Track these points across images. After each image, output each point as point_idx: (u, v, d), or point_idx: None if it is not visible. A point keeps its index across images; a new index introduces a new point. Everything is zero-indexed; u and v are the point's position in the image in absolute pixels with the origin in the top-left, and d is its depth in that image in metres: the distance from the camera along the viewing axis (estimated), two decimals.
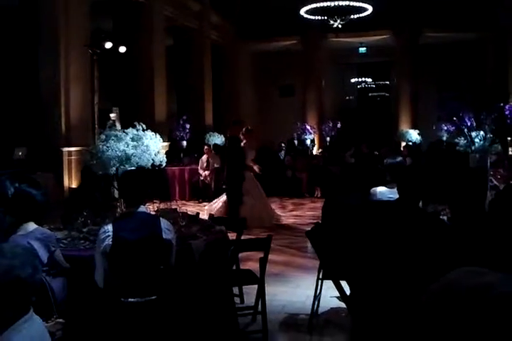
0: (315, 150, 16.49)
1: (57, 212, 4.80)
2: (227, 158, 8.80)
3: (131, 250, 3.19)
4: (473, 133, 6.03)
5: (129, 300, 3.17)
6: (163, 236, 3.29)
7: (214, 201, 9.35)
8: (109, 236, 3.18)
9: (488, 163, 5.92)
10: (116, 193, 4.46)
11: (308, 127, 16.80)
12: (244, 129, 8.88)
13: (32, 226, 3.42)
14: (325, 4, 14.18)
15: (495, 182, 6.16)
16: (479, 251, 3.13)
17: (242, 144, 8.73)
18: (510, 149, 11.36)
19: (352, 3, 13.97)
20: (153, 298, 3.21)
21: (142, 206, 3.38)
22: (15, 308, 1.78)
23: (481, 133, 6.03)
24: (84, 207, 4.37)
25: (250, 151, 8.86)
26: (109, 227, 3.23)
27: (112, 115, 11.62)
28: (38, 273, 1.87)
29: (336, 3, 13.91)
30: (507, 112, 6.35)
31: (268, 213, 9.05)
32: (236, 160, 8.55)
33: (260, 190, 8.97)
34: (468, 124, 6.12)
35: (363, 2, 14.03)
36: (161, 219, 3.41)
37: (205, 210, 9.01)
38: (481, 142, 5.96)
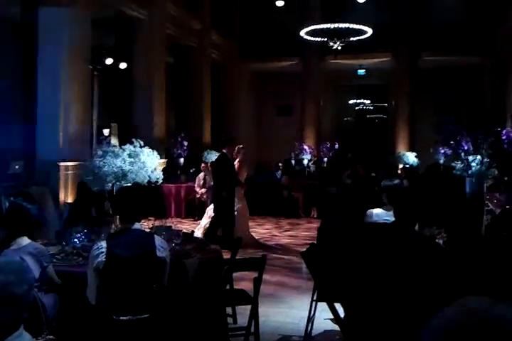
0: (312, 169, 16.48)
1: (52, 226, 4.77)
2: (217, 175, 8.73)
3: (125, 267, 3.15)
4: (470, 157, 6.05)
5: (121, 318, 3.13)
6: (157, 254, 3.26)
7: (202, 218, 9.26)
8: (102, 252, 3.15)
9: (485, 188, 5.94)
10: (111, 209, 4.45)
11: (306, 147, 16.85)
12: (237, 148, 8.87)
13: (25, 240, 3.39)
14: (325, 26, 14.37)
15: (491, 206, 6.17)
16: (475, 275, 3.11)
17: (235, 162, 8.70)
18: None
19: (352, 26, 14.16)
20: (146, 316, 3.17)
21: (137, 223, 3.36)
22: (6, 325, 1.75)
23: (478, 157, 6.06)
24: (78, 223, 4.35)
25: (243, 169, 8.84)
26: (103, 244, 3.20)
27: (105, 131, 11.64)
28: (33, 290, 1.85)
29: (336, 25, 14.09)
30: (504, 137, 6.40)
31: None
32: (226, 178, 8.49)
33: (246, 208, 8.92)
34: (466, 148, 6.15)
35: (362, 25, 14.22)
36: (155, 236, 3.38)
37: (199, 230, 8.94)
38: (478, 166, 5.98)
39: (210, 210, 8.86)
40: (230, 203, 8.37)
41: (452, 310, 1.19)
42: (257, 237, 9.24)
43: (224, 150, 8.67)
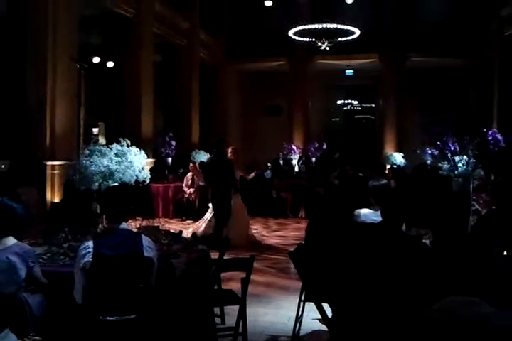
0: (297, 168, 16.51)
1: (39, 226, 4.73)
2: (216, 174, 8.64)
3: (111, 267, 3.14)
4: (457, 158, 6.09)
5: (108, 318, 3.11)
6: (145, 254, 3.24)
7: (199, 221, 9.25)
8: (89, 252, 3.13)
9: (471, 188, 5.97)
10: (98, 209, 4.42)
11: (294, 147, 16.87)
12: (232, 148, 8.90)
13: (11, 240, 3.36)
14: (313, 26, 14.41)
15: (477, 206, 6.21)
16: (461, 274, 3.14)
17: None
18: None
19: (340, 26, 14.21)
20: (133, 316, 3.15)
21: (124, 223, 3.34)
22: None
23: (464, 157, 6.09)
24: (65, 222, 4.32)
25: (237, 170, 8.88)
26: (90, 243, 3.18)
27: (94, 130, 11.57)
28: (20, 291, 1.83)
29: (324, 25, 14.14)
30: (490, 138, 6.44)
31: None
32: (226, 177, 8.48)
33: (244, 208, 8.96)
34: (452, 149, 6.18)
35: (350, 25, 14.27)
36: (142, 236, 3.36)
37: (191, 229, 8.92)
38: (464, 167, 6.02)
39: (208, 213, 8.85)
40: (228, 202, 8.39)
41: (436, 309, 1.20)
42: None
43: (216, 151, 8.65)
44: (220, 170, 8.47)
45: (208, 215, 8.83)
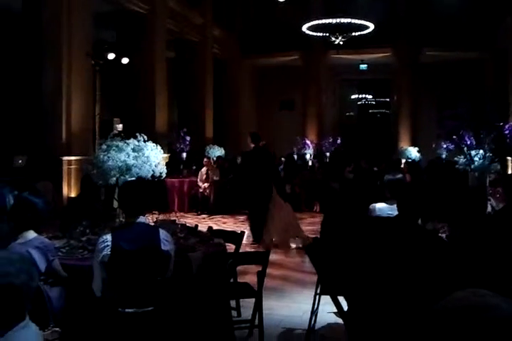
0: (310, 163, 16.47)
1: (56, 220, 4.80)
2: (261, 169, 8.18)
3: (130, 260, 3.18)
4: (473, 152, 6.06)
5: (126, 310, 3.15)
6: (162, 248, 3.28)
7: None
8: (107, 245, 3.17)
9: (488, 182, 5.95)
10: (116, 203, 4.47)
11: (308, 142, 16.84)
12: (262, 144, 8.61)
13: (31, 234, 3.42)
14: (327, 21, 14.35)
15: (493, 201, 6.17)
16: (477, 268, 3.13)
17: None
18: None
19: (353, 21, 14.14)
20: (150, 309, 3.20)
21: (142, 217, 3.38)
22: (9, 315, 1.79)
23: (481, 151, 6.07)
24: (83, 217, 4.37)
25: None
26: (108, 237, 3.22)
27: (119, 126, 11.65)
28: (34, 281, 1.87)
29: (338, 20, 14.07)
30: (506, 131, 6.39)
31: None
32: (273, 172, 8.28)
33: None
34: (468, 143, 6.16)
35: (364, 20, 14.19)
36: (160, 230, 3.40)
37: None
38: (481, 161, 5.99)
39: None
40: (267, 200, 8.10)
41: (449, 301, 1.21)
42: None
43: (255, 145, 8.35)
44: (263, 165, 8.18)
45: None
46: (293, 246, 8.11)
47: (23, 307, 1.84)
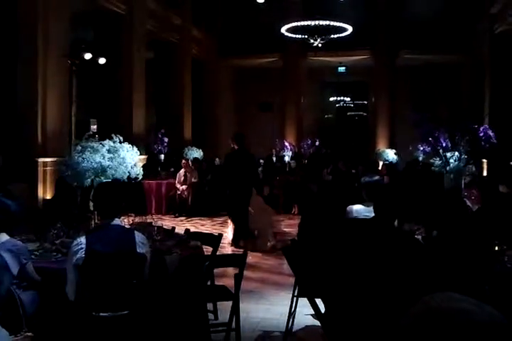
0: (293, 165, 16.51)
1: (31, 223, 4.72)
2: (239, 171, 8.14)
3: (104, 263, 3.14)
4: (448, 154, 6.13)
5: (101, 314, 3.11)
6: (137, 250, 3.24)
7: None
8: (82, 248, 3.13)
9: (463, 184, 6.01)
10: (91, 205, 4.41)
11: (287, 144, 16.88)
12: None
13: (4, 237, 3.35)
14: (305, 23, 14.40)
15: (468, 203, 6.24)
16: (452, 270, 3.16)
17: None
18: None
19: (332, 23, 14.21)
20: (126, 312, 3.15)
21: (117, 219, 3.34)
22: None
23: (456, 154, 6.14)
24: (57, 219, 4.31)
25: None
26: (82, 240, 3.18)
27: (93, 127, 11.53)
28: (2, 285, 1.82)
29: (317, 22, 14.13)
30: (481, 134, 6.48)
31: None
32: (250, 174, 8.28)
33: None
34: (444, 145, 6.23)
35: (342, 22, 14.28)
36: (135, 232, 3.36)
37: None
38: (456, 163, 6.06)
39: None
40: (247, 202, 8.15)
41: (422, 305, 1.21)
42: None
43: (239, 147, 8.29)
44: (245, 166, 8.15)
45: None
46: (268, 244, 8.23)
47: None
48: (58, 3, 9.78)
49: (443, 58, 17.36)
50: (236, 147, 8.33)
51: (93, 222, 4.11)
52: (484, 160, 12.73)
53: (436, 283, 3.00)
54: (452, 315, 1.11)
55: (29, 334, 3.15)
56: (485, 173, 12.49)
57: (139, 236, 3.31)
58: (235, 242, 8.09)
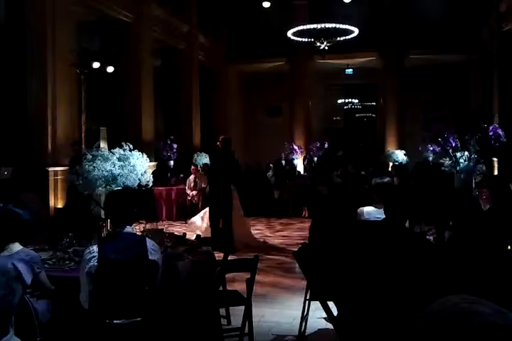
0: (301, 168, 16.52)
1: (43, 232, 4.75)
2: (226, 171, 8.43)
3: (117, 271, 3.15)
4: (458, 154, 6.11)
5: (114, 321, 3.12)
6: (149, 257, 3.25)
7: (196, 218, 9.27)
8: (94, 257, 3.15)
9: (473, 184, 5.99)
10: (102, 213, 4.44)
11: (295, 147, 16.88)
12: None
13: (17, 247, 3.37)
14: (311, 26, 14.42)
15: (480, 202, 6.21)
16: (466, 271, 3.14)
17: None
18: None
19: (338, 26, 14.21)
20: (139, 319, 3.17)
21: (128, 226, 3.35)
22: None
23: (466, 153, 6.11)
24: (69, 227, 4.34)
25: None
26: (95, 248, 3.19)
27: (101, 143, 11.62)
28: (13, 296, 1.84)
29: (323, 25, 14.15)
30: (491, 133, 6.45)
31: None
32: (232, 176, 8.45)
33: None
34: (453, 145, 6.21)
35: (349, 25, 14.28)
36: (147, 239, 3.37)
37: (189, 225, 8.98)
38: (466, 163, 6.03)
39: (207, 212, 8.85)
40: (230, 202, 8.38)
41: (436, 307, 1.20)
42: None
43: (224, 149, 8.54)
44: (227, 169, 8.37)
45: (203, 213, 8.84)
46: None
47: (4, 322, 1.80)
48: (66, 13, 9.87)
49: (451, 58, 17.30)
50: (221, 150, 8.58)
51: (105, 230, 4.13)
52: (495, 160, 12.66)
53: (449, 283, 2.99)
54: (467, 317, 1.11)
55: None
56: (495, 172, 12.42)
57: (150, 244, 3.32)
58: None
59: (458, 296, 1.20)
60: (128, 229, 3.33)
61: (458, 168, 6.00)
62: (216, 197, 8.46)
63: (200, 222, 9.03)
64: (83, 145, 9.88)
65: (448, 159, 6.15)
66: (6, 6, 9.65)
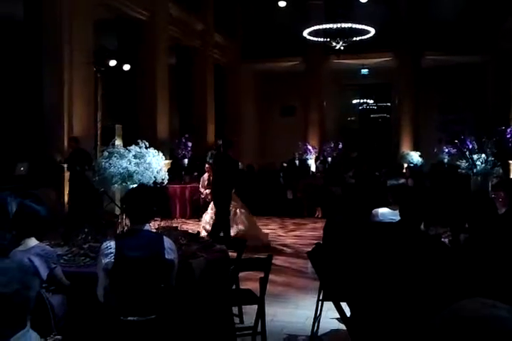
0: (313, 168, 16.48)
1: (58, 228, 4.79)
2: (227, 172, 8.55)
3: (133, 268, 3.16)
4: (475, 156, 6.06)
5: (129, 318, 3.14)
6: (166, 257, 3.24)
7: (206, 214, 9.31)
8: (111, 253, 3.16)
9: (490, 186, 5.93)
10: (117, 210, 4.47)
11: (310, 147, 16.84)
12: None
13: (33, 242, 3.41)
14: (327, 26, 14.37)
15: (496, 205, 6.15)
16: (483, 274, 3.12)
17: None
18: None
19: (354, 26, 14.16)
20: (153, 317, 3.18)
21: (147, 224, 3.36)
22: (4, 324, 1.78)
23: (483, 156, 6.06)
24: (84, 224, 4.37)
25: None
26: (112, 244, 3.20)
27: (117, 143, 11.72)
28: (29, 290, 1.86)
29: (339, 25, 14.10)
30: (508, 135, 6.39)
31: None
32: (234, 180, 8.56)
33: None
34: (470, 147, 6.16)
35: (365, 25, 14.22)
36: (164, 238, 3.36)
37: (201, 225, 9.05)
38: (483, 165, 5.98)
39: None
40: (228, 203, 8.45)
41: (457, 310, 1.19)
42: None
43: (229, 153, 8.64)
44: (227, 171, 8.47)
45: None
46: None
47: (21, 316, 1.82)
48: (82, 11, 9.95)
49: (467, 58, 17.16)
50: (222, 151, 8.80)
51: (120, 227, 4.15)
52: (511, 162, 12.53)
53: (463, 286, 2.97)
54: (486, 322, 1.10)
55: (58, 337, 3.19)
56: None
57: (167, 243, 3.31)
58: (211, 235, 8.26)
59: (474, 300, 1.19)
60: (147, 226, 3.34)
61: (474, 171, 5.96)
62: (217, 197, 8.56)
63: (209, 218, 9.05)
64: (99, 142, 9.96)
65: (464, 161, 6.10)
66: (25, 4, 9.74)
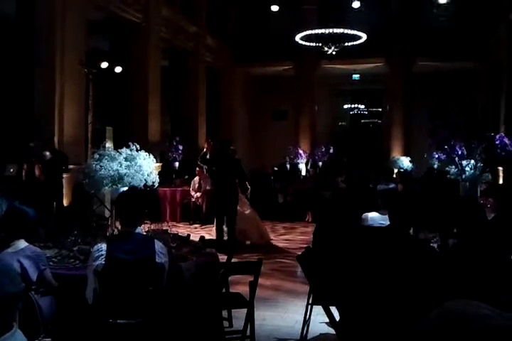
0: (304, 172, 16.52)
1: (47, 229, 4.77)
2: (232, 172, 8.55)
3: (123, 271, 3.15)
4: (464, 162, 6.11)
5: (118, 321, 3.13)
6: (156, 260, 3.23)
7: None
8: (102, 255, 3.15)
9: (479, 192, 5.98)
10: (106, 212, 4.46)
11: (300, 151, 16.88)
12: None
13: (23, 243, 3.40)
14: (320, 31, 14.44)
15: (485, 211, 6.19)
16: (469, 278, 3.14)
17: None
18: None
19: (346, 31, 14.23)
20: (142, 320, 3.17)
21: (139, 227, 3.35)
22: None
23: (472, 162, 6.11)
24: (74, 226, 4.35)
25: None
26: (103, 246, 3.18)
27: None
28: (4, 291, 1.83)
29: (331, 30, 14.17)
30: (497, 142, 6.45)
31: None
32: (236, 176, 8.57)
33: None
34: (459, 153, 6.21)
35: (357, 30, 14.30)
36: (155, 241, 3.35)
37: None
38: (472, 171, 6.03)
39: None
40: (235, 204, 8.50)
41: (438, 310, 1.21)
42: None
43: (222, 151, 8.68)
44: (227, 169, 8.47)
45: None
46: (247, 242, 8.87)
47: (6, 318, 1.80)
48: (75, 12, 9.92)
49: (459, 65, 17.26)
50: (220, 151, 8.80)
51: (110, 229, 4.14)
52: (500, 168, 12.62)
53: (452, 291, 2.99)
54: (471, 319, 1.12)
55: (47, 339, 3.19)
56: (501, 181, 12.37)
57: (158, 246, 3.29)
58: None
59: (460, 300, 1.21)
60: (138, 229, 3.33)
61: (463, 176, 6.00)
62: (221, 198, 8.49)
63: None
64: (89, 145, 9.91)
65: (454, 167, 6.15)
66: (17, 4, 9.70)
